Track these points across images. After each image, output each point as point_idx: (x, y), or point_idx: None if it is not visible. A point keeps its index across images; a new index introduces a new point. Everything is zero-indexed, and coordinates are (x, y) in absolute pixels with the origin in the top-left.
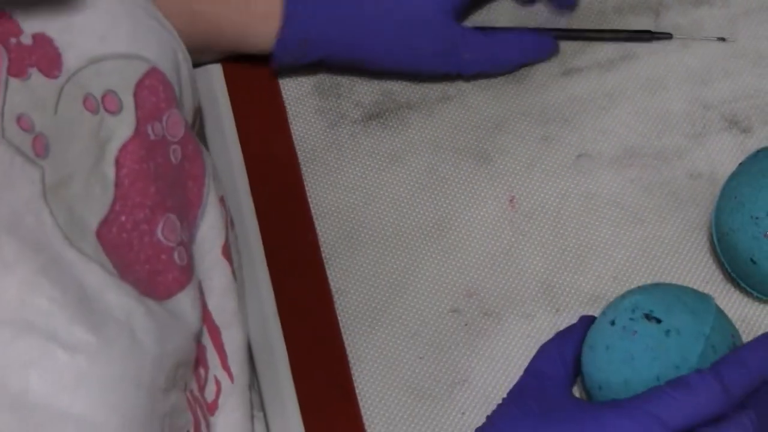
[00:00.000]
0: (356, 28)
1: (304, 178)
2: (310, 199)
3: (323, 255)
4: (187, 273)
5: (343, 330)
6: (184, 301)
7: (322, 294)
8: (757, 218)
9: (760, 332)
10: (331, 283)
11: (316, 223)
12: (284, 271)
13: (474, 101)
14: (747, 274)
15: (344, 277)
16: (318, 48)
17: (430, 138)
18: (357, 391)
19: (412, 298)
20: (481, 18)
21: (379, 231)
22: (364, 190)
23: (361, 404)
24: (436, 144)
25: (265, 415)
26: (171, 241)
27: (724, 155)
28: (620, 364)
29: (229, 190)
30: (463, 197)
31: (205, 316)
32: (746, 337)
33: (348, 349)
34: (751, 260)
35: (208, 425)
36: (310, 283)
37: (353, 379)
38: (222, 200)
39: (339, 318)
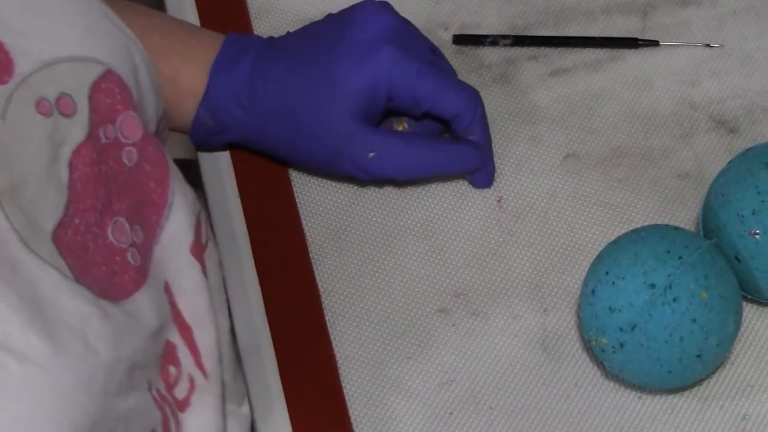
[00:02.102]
0: (266, 130)
1: (291, 177)
2: (297, 199)
3: (311, 255)
4: (142, 273)
5: (330, 330)
6: (142, 300)
7: (310, 294)
8: (742, 216)
9: (745, 330)
10: (319, 283)
11: (304, 223)
12: (272, 271)
13: None
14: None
15: (332, 277)
16: (228, 133)
17: None
18: (344, 391)
19: (400, 298)
20: (469, 19)
21: (367, 231)
22: (352, 190)
23: (348, 404)
24: None
25: (252, 415)
26: (122, 243)
27: (712, 155)
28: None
29: (217, 190)
30: (450, 197)
31: (176, 315)
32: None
33: (336, 349)
34: (736, 258)
35: (177, 422)
36: (297, 283)
37: (341, 379)
38: (195, 200)
39: (327, 318)
